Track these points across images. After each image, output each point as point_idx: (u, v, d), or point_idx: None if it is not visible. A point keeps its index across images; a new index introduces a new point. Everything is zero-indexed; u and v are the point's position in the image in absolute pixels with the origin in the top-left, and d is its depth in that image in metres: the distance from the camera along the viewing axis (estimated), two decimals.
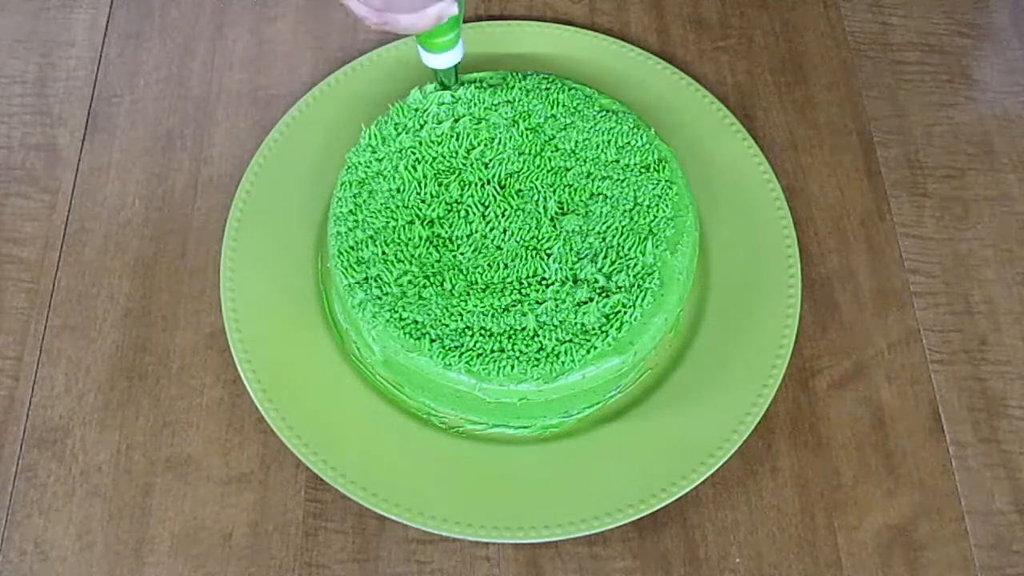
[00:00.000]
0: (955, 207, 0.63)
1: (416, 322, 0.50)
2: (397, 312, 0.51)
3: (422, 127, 0.56)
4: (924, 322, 0.59)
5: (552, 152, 0.55)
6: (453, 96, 0.57)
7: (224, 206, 0.60)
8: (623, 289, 0.51)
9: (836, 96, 0.67)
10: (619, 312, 0.51)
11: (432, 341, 0.50)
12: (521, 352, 0.50)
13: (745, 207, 0.60)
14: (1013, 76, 0.69)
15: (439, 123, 0.56)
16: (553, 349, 0.50)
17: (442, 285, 0.51)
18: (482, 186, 0.54)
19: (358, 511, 0.52)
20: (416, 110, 0.56)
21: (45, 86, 0.65)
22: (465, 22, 0.68)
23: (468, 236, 0.53)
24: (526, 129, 0.56)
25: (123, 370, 0.56)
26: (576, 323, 0.50)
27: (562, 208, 0.54)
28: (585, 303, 0.51)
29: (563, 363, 0.50)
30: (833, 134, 0.65)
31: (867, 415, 0.56)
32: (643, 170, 0.55)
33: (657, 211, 0.54)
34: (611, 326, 0.50)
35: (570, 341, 0.50)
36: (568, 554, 0.52)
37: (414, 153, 0.55)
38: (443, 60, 0.53)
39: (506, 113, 0.56)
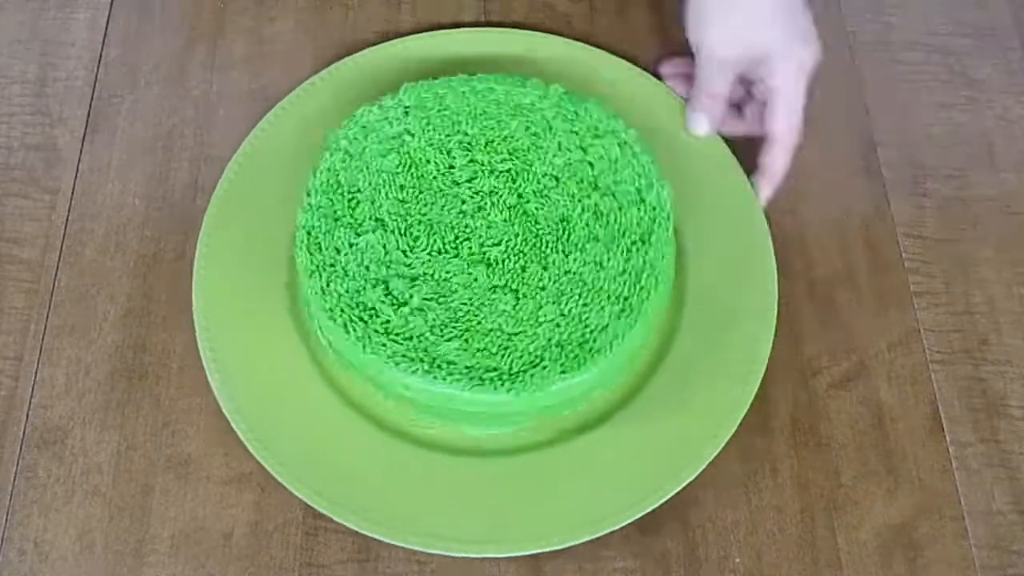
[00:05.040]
0: (955, 207, 0.63)
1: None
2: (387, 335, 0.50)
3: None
4: (924, 322, 0.59)
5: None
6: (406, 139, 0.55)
7: None
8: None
9: (836, 96, 0.67)
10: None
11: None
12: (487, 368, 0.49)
13: (715, 201, 0.60)
14: (1013, 76, 0.69)
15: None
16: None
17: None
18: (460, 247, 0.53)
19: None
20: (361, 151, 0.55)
21: (45, 86, 0.65)
22: (460, 26, 0.68)
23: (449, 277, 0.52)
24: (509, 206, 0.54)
25: (123, 370, 0.56)
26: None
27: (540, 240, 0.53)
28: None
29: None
30: (833, 134, 0.65)
31: (867, 415, 0.56)
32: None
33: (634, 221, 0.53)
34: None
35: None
36: (568, 554, 0.52)
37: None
38: None
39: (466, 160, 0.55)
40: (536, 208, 0.54)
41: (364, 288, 0.51)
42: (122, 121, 0.64)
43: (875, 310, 0.59)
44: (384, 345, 0.49)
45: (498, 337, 0.50)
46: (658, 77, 0.65)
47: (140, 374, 0.56)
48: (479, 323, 0.50)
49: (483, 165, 0.55)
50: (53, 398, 0.55)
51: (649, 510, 0.51)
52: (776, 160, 0.59)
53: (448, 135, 0.56)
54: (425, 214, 0.53)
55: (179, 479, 0.53)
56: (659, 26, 0.69)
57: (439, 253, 0.52)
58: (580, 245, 0.52)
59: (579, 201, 0.54)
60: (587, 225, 0.53)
